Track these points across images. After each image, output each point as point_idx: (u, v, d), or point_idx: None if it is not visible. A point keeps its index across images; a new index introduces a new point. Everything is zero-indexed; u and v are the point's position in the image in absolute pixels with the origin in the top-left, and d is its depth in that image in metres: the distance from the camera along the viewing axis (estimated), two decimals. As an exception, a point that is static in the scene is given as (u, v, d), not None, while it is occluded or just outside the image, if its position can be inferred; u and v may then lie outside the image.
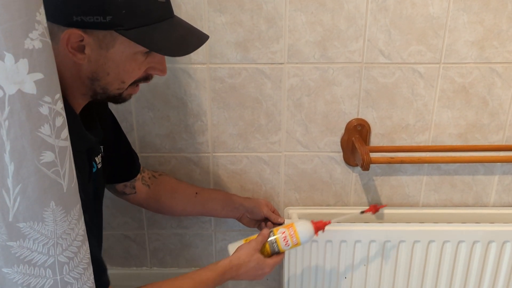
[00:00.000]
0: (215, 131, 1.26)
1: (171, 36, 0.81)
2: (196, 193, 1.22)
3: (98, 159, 0.97)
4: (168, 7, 0.83)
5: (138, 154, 1.27)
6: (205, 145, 1.28)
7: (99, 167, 0.97)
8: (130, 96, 0.88)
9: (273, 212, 1.24)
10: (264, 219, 1.22)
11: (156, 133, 1.26)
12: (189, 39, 0.84)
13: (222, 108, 1.24)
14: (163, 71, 0.86)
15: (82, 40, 0.76)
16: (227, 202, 1.23)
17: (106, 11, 0.74)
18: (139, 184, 1.17)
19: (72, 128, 0.83)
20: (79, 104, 0.86)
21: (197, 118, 1.25)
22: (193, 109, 1.24)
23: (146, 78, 0.87)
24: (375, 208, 1.15)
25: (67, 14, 0.74)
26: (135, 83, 0.86)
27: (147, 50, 0.81)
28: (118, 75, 0.81)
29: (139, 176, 1.17)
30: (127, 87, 0.85)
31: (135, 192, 1.17)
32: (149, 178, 1.20)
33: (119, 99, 0.87)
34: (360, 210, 1.15)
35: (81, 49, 0.77)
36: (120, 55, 0.79)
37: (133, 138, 1.26)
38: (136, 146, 1.27)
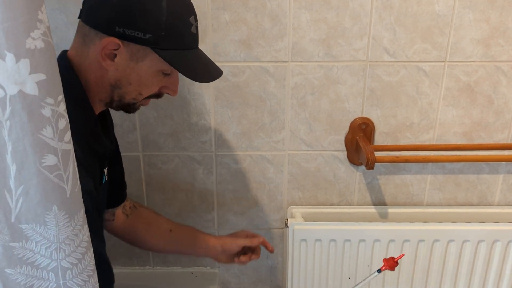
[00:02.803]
0: (219, 130, 1.25)
1: (196, 63, 0.88)
2: (171, 230, 1.17)
3: (105, 171, 0.96)
4: (196, 39, 0.89)
5: (141, 153, 1.27)
6: (208, 144, 1.27)
7: (106, 179, 0.97)
8: (140, 107, 0.93)
9: (251, 236, 1.18)
10: (242, 249, 1.17)
11: (159, 131, 1.25)
12: (210, 69, 0.91)
13: (226, 107, 1.23)
14: (175, 92, 0.91)
15: (116, 49, 0.81)
16: (200, 243, 1.16)
17: (148, 29, 0.80)
18: (119, 212, 1.13)
19: (91, 129, 0.85)
20: (96, 109, 0.89)
21: (201, 117, 1.24)
22: (197, 107, 1.23)
23: (158, 95, 0.92)
24: (392, 262, 0.96)
25: (111, 23, 0.79)
26: (149, 97, 0.91)
27: (169, 71, 0.87)
28: (137, 87, 0.87)
29: (122, 204, 1.14)
30: (141, 100, 0.90)
31: (113, 220, 1.12)
32: (129, 207, 1.16)
33: (131, 108, 0.92)
34: (376, 270, 0.99)
35: (112, 57, 0.82)
36: (146, 69, 0.84)
37: (136, 137, 1.25)
38: (139, 145, 1.26)
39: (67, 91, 0.71)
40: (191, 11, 0.86)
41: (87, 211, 0.68)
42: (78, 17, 0.85)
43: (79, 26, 0.85)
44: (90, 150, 0.85)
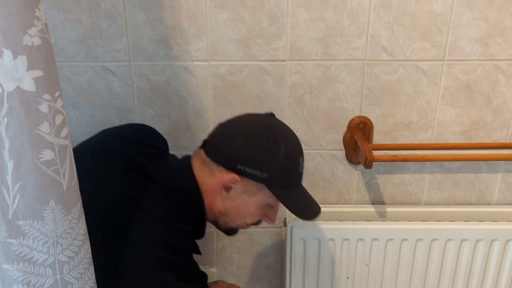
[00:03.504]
0: (217, 129, 1.25)
1: (301, 201, 0.96)
2: None
3: None
4: (301, 177, 0.97)
5: (139, 152, 1.27)
6: (206, 143, 1.27)
7: None
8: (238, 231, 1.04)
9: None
10: None
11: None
12: (312, 206, 0.98)
13: (224, 106, 1.23)
14: (273, 221, 1.00)
15: (234, 183, 0.90)
16: None
17: (265, 169, 0.89)
18: None
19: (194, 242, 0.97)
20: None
21: (198, 116, 1.24)
22: (194, 106, 1.23)
23: (258, 222, 1.00)
24: None
25: (234, 161, 0.89)
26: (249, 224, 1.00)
27: (273, 204, 0.96)
28: (244, 217, 0.96)
29: None
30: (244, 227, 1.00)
31: None
32: None
33: (231, 232, 1.02)
34: None
35: (228, 189, 0.92)
36: (255, 202, 0.94)
37: (134, 136, 1.26)
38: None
39: (191, 207, 0.92)
40: (300, 152, 0.96)
41: None
42: (200, 147, 0.97)
43: (199, 153, 0.95)
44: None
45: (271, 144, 0.90)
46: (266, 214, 0.98)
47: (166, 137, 1.25)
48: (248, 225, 0.99)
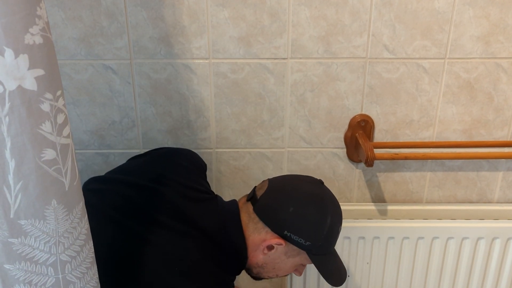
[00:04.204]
0: (218, 127, 1.25)
1: (333, 267, 1.01)
2: None
3: None
4: (336, 242, 1.02)
5: (141, 150, 1.27)
6: (207, 141, 1.27)
7: None
8: None
9: None
10: None
11: (158, 128, 1.25)
12: (341, 271, 1.03)
13: (225, 104, 1.23)
14: (300, 274, 1.06)
15: (277, 245, 0.95)
16: None
17: (309, 238, 0.94)
18: None
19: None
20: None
21: (200, 114, 1.24)
22: (196, 104, 1.23)
23: (286, 275, 1.06)
24: None
25: (282, 226, 0.94)
26: None
27: (305, 264, 1.01)
28: (278, 272, 1.01)
29: None
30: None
31: None
32: None
33: (257, 279, 1.06)
34: None
35: (270, 249, 0.96)
36: (292, 263, 0.99)
37: (136, 134, 1.25)
38: (138, 142, 1.26)
39: (235, 262, 0.98)
40: (341, 222, 1.01)
41: None
42: (248, 200, 1.00)
43: (247, 207, 0.99)
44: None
45: (320, 216, 0.96)
46: (297, 269, 1.04)
47: (167, 135, 1.26)
48: (277, 277, 1.05)
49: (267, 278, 1.05)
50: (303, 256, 0.97)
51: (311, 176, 1.05)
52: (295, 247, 0.95)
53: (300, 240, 0.94)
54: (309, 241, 0.94)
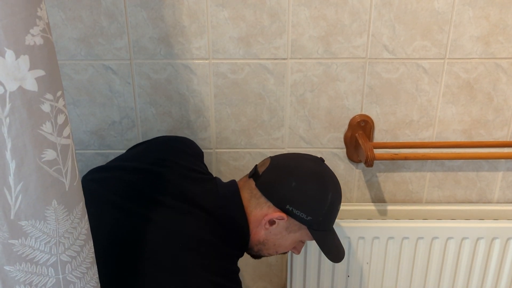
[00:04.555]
0: (218, 127, 1.25)
1: (332, 244, 1.03)
2: None
3: None
4: (335, 219, 1.04)
5: (140, 150, 1.27)
6: (207, 141, 1.27)
7: None
8: None
9: None
10: None
11: (158, 129, 1.25)
12: (340, 249, 1.05)
13: (225, 104, 1.23)
14: (299, 252, 1.08)
15: (278, 220, 0.96)
16: None
17: (311, 213, 0.96)
18: None
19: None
20: None
21: (200, 114, 1.24)
22: (196, 105, 1.23)
23: (285, 252, 1.08)
24: None
25: (284, 201, 0.96)
26: None
27: (304, 241, 1.04)
28: (278, 248, 1.03)
29: None
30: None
31: None
32: None
33: (257, 257, 1.07)
34: None
35: (272, 224, 0.97)
36: (292, 238, 1.01)
37: (136, 134, 1.25)
38: (138, 142, 1.26)
39: (237, 236, 0.98)
40: (341, 200, 1.03)
41: None
42: (250, 176, 1.01)
43: (250, 183, 1.00)
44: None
45: (321, 192, 0.98)
46: (295, 247, 1.06)
47: (167, 135, 1.26)
48: (277, 254, 1.06)
49: (267, 256, 1.06)
50: (303, 232, 0.99)
51: (312, 155, 1.06)
52: (296, 222, 0.97)
53: (302, 214, 0.95)
54: (310, 216, 0.96)
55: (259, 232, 0.99)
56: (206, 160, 1.26)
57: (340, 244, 1.05)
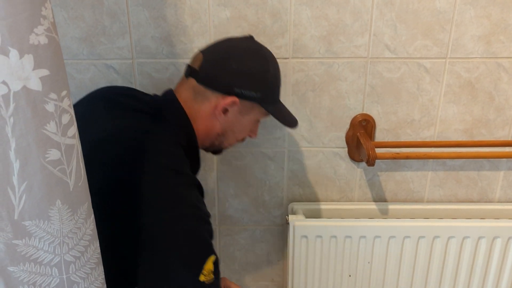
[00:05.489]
0: (219, 127, 1.25)
1: (285, 113, 1.06)
2: None
3: None
4: (280, 93, 1.06)
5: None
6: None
7: None
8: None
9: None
10: None
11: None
12: (292, 116, 1.07)
13: (226, 103, 1.23)
14: (255, 134, 1.09)
15: (231, 106, 0.96)
16: None
17: (259, 88, 0.97)
18: None
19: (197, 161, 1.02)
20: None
21: (201, 114, 1.24)
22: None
23: (244, 139, 1.09)
24: None
25: (231, 85, 0.95)
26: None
27: (259, 119, 1.05)
28: (238, 135, 1.04)
29: None
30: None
31: None
32: None
33: (220, 151, 1.10)
34: None
35: (225, 112, 0.97)
36: (249, 120, 1.02)
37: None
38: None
39: (186, 139, 0.95)
40: (279, 68, 1.04)
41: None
42: (187, 76, 0.99)
43: (189, 83, 0.98)
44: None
45: (262, 66, 0.98)
46: (252, 130, 1.07)
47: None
48: (236, 142, 1.07)
49: (227, 147, 1.07)
50: (257, 110, 1.00)
51: (240, 35, 1.06)
52: (248, 103, 0.97)
53: (251, 93, 0.96)
54: (259, 91, 0.97)
55: (214, 125, 0.99)
56: (208, 159, 1.26)
57: (291, 113, 1.07)
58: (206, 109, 0.97)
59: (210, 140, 1.02)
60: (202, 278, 0.83)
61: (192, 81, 0.97)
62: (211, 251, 0.86)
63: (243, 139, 1.09)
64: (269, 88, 1.00)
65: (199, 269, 0.83)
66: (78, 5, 1.13)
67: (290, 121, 1.06)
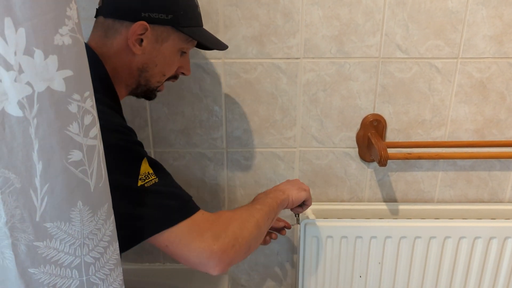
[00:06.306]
0: (230, 127, 1.25)
1: (209, 36, 1.01)
2: None
3: None
4: (201, 18, 1.01)
5: (153, 150, 1.26)
6: (219, 141, 1.26)
7: None
8: (158, 92, 1.02)
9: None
10: None
11: (171, 128, 1.25)
12: (220, 41, 1.03)
13: (237, 104, 1.22)
14: (188, 70, 1.02)
15: (143, 34, 0.89)
16: None
17: (169, 10, 0.90)
18: None
19: (118, 112, 0.92)
20: (121, 95, 0.96)
21: (212, 114, 1.23)
22: (208, 104, 1.22)
23: (175, 76, 1.01)
24: None
25: (137, 10, 0.88)
26: (167, 79, 1.00)
27: (185, 50, 0.97)
28: (162, 68, 0.95)
29: None
30: (163, 82, 0.98)
31: None
32: None
33: (152, 94, 1.00)
34: None
35: (139, 42, 0.90)
36: (169, 49, 0.94)
37: (148, 134, 1.25)
38: (150, 142, 1.26)
39: (96, 81, 0.79)
40: None
41: None
42: (96, 16, 0.92)
43: (98, 22, 0.92)
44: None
45: None
46: (181, 65, 0.99)
47: (179, 134, 1.26)
48: (166, 79, 0.99)
49: (157, 86, 0.98)
50: (175, 36, 0.93)
51: None
52: (160, 27, 0.90)
53: (161, 16, 0.89)
54: (170, 13, 0.90)
55: (132, 60, 0.91)
56: (218, 159, 1.26)
57: (220, 40, 1.03)
58: (119, 43, 0.90)
59: (134, 79, 0.94)
60: (140, 183, 0.81)
61: (100, 19, 0.92)
62: (141, 155, 0.83)
63: (174, 77, 1.01)
64: (181, 9, 0.92)
65: (135, 176, 0.81)
66: (88, 4, 1.12)
67: (215, 43, 0.99)
